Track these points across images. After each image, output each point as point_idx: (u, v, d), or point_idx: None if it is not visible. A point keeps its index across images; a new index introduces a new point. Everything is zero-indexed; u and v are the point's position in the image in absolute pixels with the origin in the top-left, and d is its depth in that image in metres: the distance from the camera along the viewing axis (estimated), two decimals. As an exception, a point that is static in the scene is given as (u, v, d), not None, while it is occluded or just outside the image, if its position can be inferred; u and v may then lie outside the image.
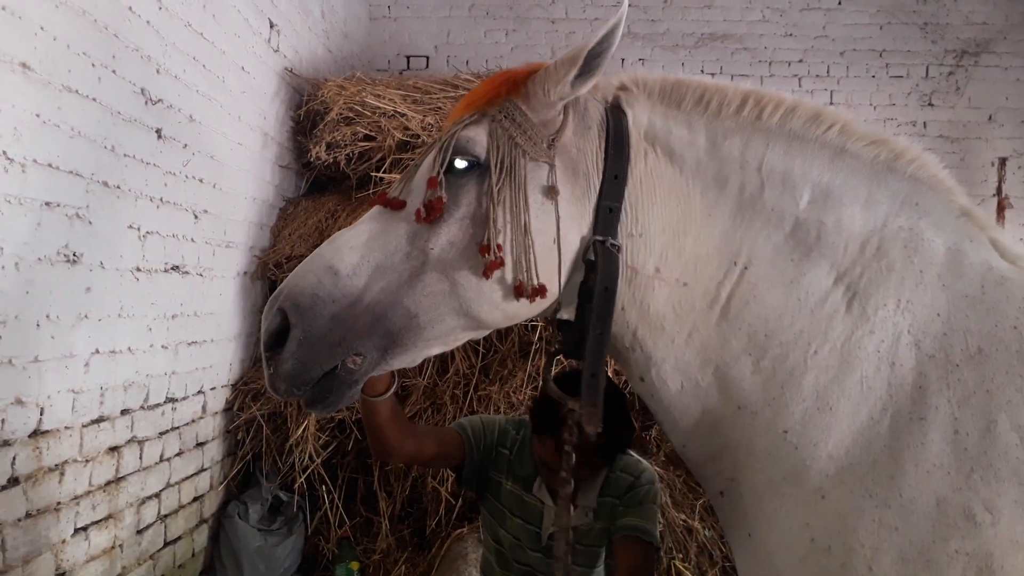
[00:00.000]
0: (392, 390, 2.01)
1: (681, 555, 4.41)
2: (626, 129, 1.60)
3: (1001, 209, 7.05)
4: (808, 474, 1.42)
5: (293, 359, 1.47)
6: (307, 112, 5.30)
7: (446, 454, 2.38)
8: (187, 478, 4.08)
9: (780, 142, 1.58)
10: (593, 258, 1.52)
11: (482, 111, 1.58)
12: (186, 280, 3.97)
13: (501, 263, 1.48)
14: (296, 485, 4.52)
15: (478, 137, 1.55)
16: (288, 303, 1.48)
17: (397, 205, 1.56)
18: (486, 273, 1.48)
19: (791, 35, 7.38)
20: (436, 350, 1.59)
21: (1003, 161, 7.10)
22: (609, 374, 2.40)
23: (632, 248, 1.56)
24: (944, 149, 7.17)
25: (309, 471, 4.51)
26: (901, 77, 7.31)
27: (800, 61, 7.36)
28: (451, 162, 1.54)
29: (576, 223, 1.55)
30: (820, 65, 7.35)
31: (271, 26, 5.03)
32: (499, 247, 1.48)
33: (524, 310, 1.56)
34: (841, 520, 1.36)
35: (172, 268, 3.83)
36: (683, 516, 4.43)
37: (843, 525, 1.35)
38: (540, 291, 1.49)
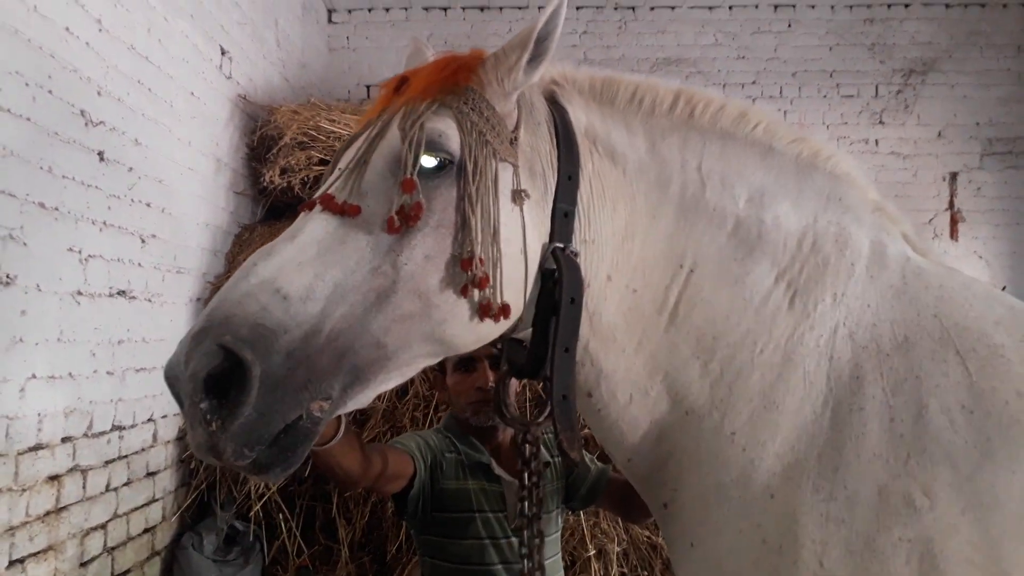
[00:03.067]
0: (341, 431, 1.74)
1: (646, 572, 4.36)
2: (572, 125, 1.52)
3: (954, 223, 7.20)
4: (756, 475, 1.40)
5: (251, 409, 1.14)
6: (261, 138, 5.28)
7: (399, 473, 2.27)
8: (136, 508, 3.97)
9: (715, 141, 1.57)
10: (554, 267, 1.41)
11: (440, 100, 1.40)
12: (133, 305, 3.90)
13: (487, 279, 1.32)
14: (252, 514, 4.42)
15: (449, 131, 1.37)
16: (230, 337, 1.14)
17: (352, 211, 1.31)
18: (466, 291, 1.31)
19: (744, 57, 7.52)
20: (394, 383, 1.37)
21: (954, 176, 7.26)
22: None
23: (586, 255, 1.48)
24: (896, 166, 7.32)
25: (265, 499, 4.41)
26: (852, 96, 7.46)
27: (753, 83, 7.49)
28: (421, 159, 1.35)
29: (537, 230, 1.43)
30: (773, 86, 7.48)
31: (222, 53, 5.03)
32: (481, 260, 1.32)
33: (494, 330, 1.41)
34: (791, 518, 1.34)
35: (118, 293, 3.76)
36: (647, 533, 4.38)
37: (793, 522, 1.34)
38: (504, 310, 1.35)
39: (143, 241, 3.99)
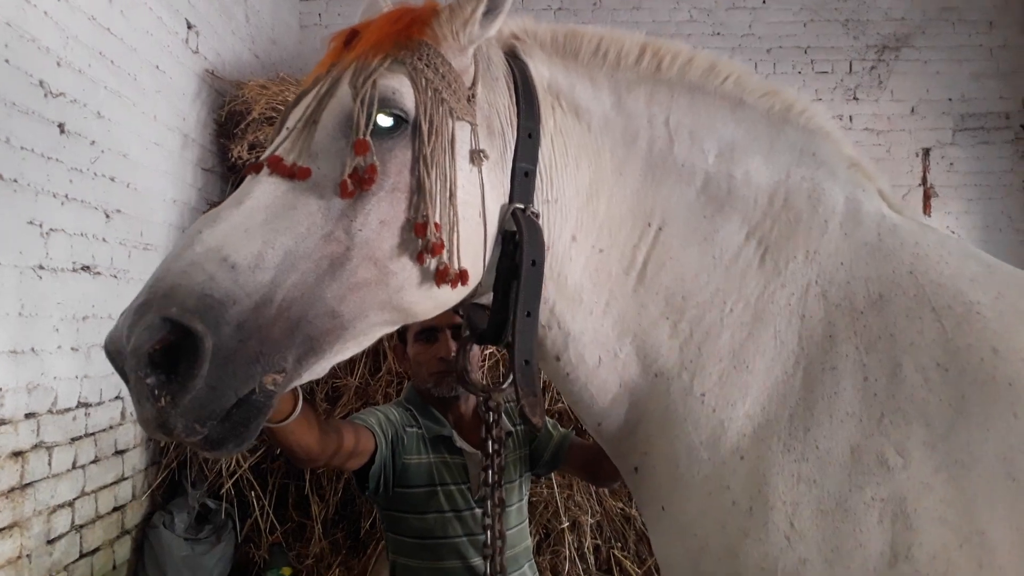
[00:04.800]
0: (299, 408, 1.68)
1: (620, 544, 4.39)
2: (532, 81, 1.47)
3: (927, 198, 7.24)
4: (726, 436, 1.38)
5: (204, 383, 1.09)
6: (229, 113, 5.21)
7: (360, 450, 2.20)
8: (105, 487, 3.93)
9: (683, 94, 1.52)
10: (514, 229, 1.37)
11: (393, 55, 1.33)
12: (98, 281, 3.84)
13: (442, 244, 1.27)
14: (224, 492, 4.40)
15: (403, 88, 1.30)
16: (176, 309, 1.08)
17: (302, 174, 1.24)
18: (422, 257, 1.26)
19: (718, 34, 7.50)
20: (351, 352, 1.32)
21: (926, 152, 7.30)
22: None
23: (548, 215, 1.44)
24: (870, 141, 7.34)
25: (236, 477, 4.39)
26: (826, 72, 7.46)
27: (728, 59, 7.47)
28: (376, 118, 1.28)
29: (495, 191, 1.39)
30: (748, 62, 7.45)
31: (189, 27, 4.95)
32: (437, 225, 1.27)
33: (453, 296, 1.38)
34: (761, 479, 1.33)
35: (82, 268, 3.70)
36: (620, 504, 4.42)
37: (763, 483, 1.32)
38: (462, 276, 1.31)
39: (107, 216, 3.92)
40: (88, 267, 3.75)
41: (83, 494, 3.75)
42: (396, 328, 1.41)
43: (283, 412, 1.65)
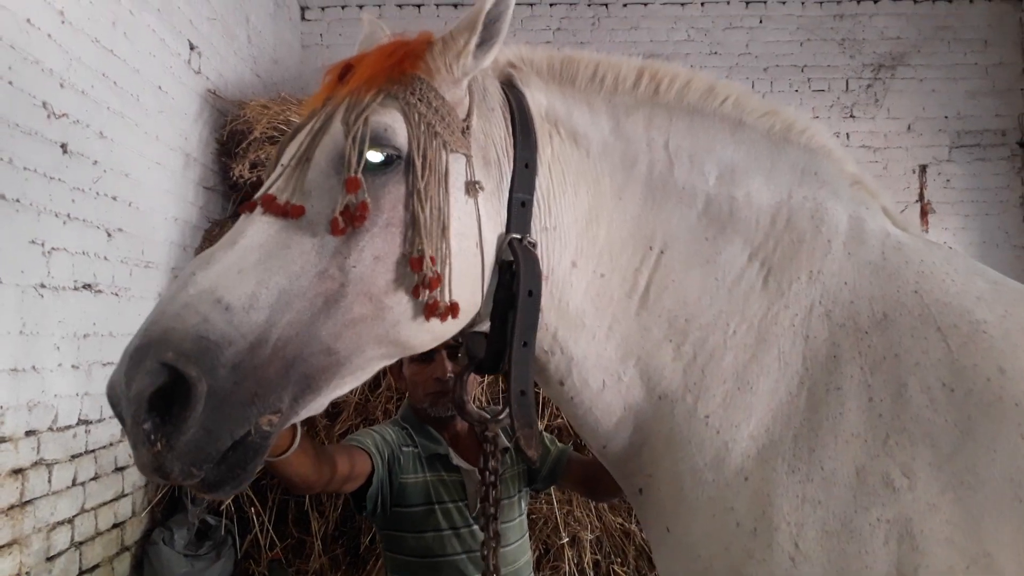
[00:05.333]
0: (297, 442, 1.67)
1: (620, 559, 4.39)
2: (529, 110, 1.47)
3: (924, 214, 7.28)
4: (730, 457, 1.38)
5: (197, 426, 1.10)
6: (231, 132, 5.27)
7: (357, 472, 2.22)
8: (105, 503, 3.95)
9: (682, 117, 1.53)
10: (511, 259, 1.37)
11: (386, 90, 1.33)
12: (99, 299, 3.88)
13: (439, 278, 1.27)
14: (223, 508, 4.41)
15: (395, 124, 1.31)
16: (172, 352, 1.09)
17: (295, 212, 1.25)
18: (418, 291, 1.26)
19: (716, 53, 7.57)
20: (349, 387, 1.33)
21: (923, 168, 7.34)
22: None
23: (547, 243, 1.45)
24: (867, 159, 7.39)
25: (236, 493, 4.39)
26: (823, 91, 7.52)
27: (726, 78, 7.48)
28: (366, 155, 1.28)
29: (492, 221, 1.39)
30: (745, 81, 7.51)
31: (191, 48, 5.01)
32: (432, 259, 1.26)
33: (450, 327, 1.37)
34: (765, 500, 1.32)
35: (83, 286, 3.74)
36: (620, 519, 4.42)
37: (768, 505, 1.32)
38: (452, 310, 1.30)
39: (109, 235, 3.97)
40: (90, 285, 3.79)
41: (83, 511, 3.76)
42: (394, 360, 1.40)
43: (281, 446, 1.64)
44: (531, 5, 7.49)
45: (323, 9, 7.64)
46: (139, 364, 1.10)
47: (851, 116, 7.49)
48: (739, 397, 1.40)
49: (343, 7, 7.63)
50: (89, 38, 3.76)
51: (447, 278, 1.29)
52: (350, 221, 1.23)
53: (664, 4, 7.56)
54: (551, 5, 7.49)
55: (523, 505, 2.55)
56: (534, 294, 1.37)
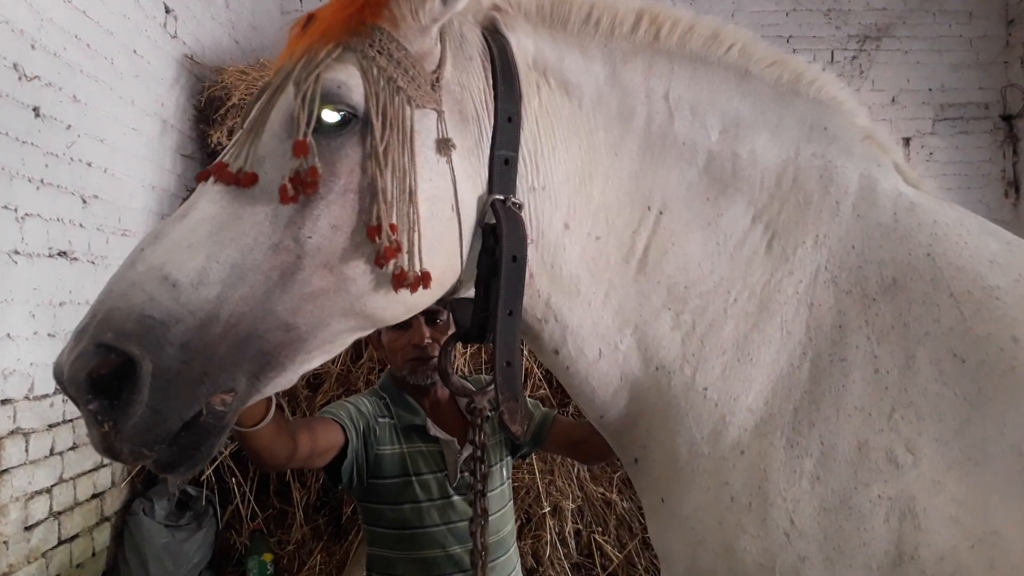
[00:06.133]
0: (271, 415, 1.66)
1: (600, 528, 4.42)
2: (512, 57, 1.35)
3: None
4: (727, 431, 1.32)
5: (144, 407, 1.06)
6: (208, 99, 5.17)
7: (330, 445, 2.21)
8: (84, 473, 3.91)
9: (684, 65, 1.41)
10: (493, 222, 1.29)
11: (343, 43, 1.22)
12: (75, 267, 3.81)
13: (399, 247, 1.18)
14: (204, 478, 4.39)
15: (350, 80, 1.20)
16: (111, 334, 1.07)
17: (247, 180, 1.17)
18: (380, 261, 1.17)
19: (701, 22, 7.51)
20: (318, 361, 1.27)
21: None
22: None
23: (535, 204, 1.35)
24: (851, 130, 7.39)
25: (217, 463, 4.37)
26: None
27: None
28: (319, 116, 1.18)
29: (471, 181, 1.29)
30: (730, 51, 7.48)
31: (167, 11, 4.89)
32: (392, 227, 1.18)
33: (426, 296, 1.28)
34: (761, 474, 1.27)
35: (59, 253, 3.67)
36: (601, 489, 4.44)
37: (764, 479, 1.27)
38: (423, 279, 1.22)
39: (84, 201, 3.89)
40: (65, 252, 3.72)
41: (61, 481, 3.72)
42: (369, 333, 1.33)
43: (255, 418, 1.63)
44: (515, -28, 7.39)
45: (303, -26, 7.48)
46: (77, 344, 1.08)
47: (836, 88, 7.47)
48: (739, 368, 1.34)
49: (324, -28, 7.49)
50: (61, -2, 3.65)
51: (416, 246, 1.21)
52: (301, 188, 1.15)
53: (650, -28, 7.47)
54: (536, -28, 7.39)
55: (505, 473, 2.53)
56: (518, 259, 1.28)
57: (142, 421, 1.07)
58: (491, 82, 1.33)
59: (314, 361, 1.25)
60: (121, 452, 1.08)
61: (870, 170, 1.41)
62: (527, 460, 4.28)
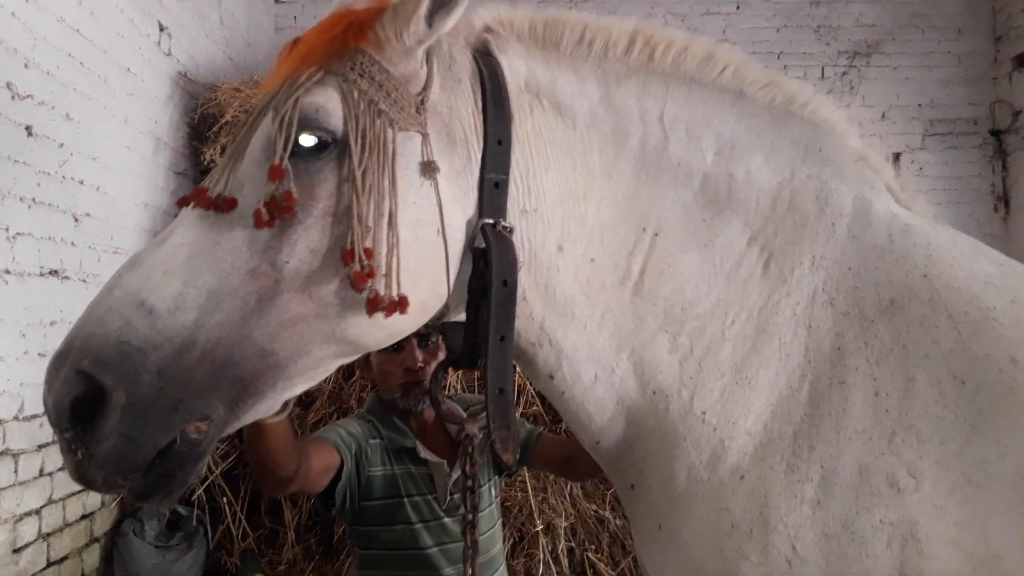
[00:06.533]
0: (288, 408, 1.59)
1: (594, 546, 4.40)
2: (503, 80, 1.34)
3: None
4: (727, 455, 1.31)
5: (117, 435, 1.06)
6: (202, 116, 5.17)
7: (327, 467, 2.20)
8: (73, 494, 3.87)
9: (679, 87, 1.42)
10: (483, 246, 1.27)
11: (325, 67, 1.22)
12: (67, 286, 3.79)
13: (372, 272, 1.17)
14: (195, 498, 4.36)
15: (329, 104, 1.20)
16: (88, 360, 1.07)
17: (226, 205, 1.17)
18: (355, 286, 1.16)
19: (693, 39, 7.55)
20: (301, 388, 1.26)
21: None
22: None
23: (528, 226, 1.34)
24: (842, 146, 7.43)
25: (208, 482, 4.35)
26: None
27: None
28: (296, 140, 1.18)
29: (460, 204, 1.28)
30: (722, 68, 7.53)
31: (161, 29, 4.90)
32: (368, 251, 1.16)
33: (410, 322, 1.28)
34: (762, 500, 1.26)
35: (50, 272, 3.65)
36: (594, 507, 4.43)
37: (764, 505, 1.25)
38: (399, 304, 1.19)
39: (76, 219, 3.88)
40: (56, 271, 3.70)
41: (50, 502, 3.69)
42: (353, 359, 1.32)
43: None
44: (508, -11, 7.44)
45: (297, -9, 7.51)
46: (57, 372, 1.08)
47: (826, 104, 7.52)
48: (737, 392, 1.32)
49: (317, -11, 7.52)
50: (55, 17, 3.65)
51: (394, 270, 1.19)
52: (276, 213, 1.14)
53: (642, -11, 7.53)
54: (528, -11, 7.44)
55: (494, 493, 2.53)
56: (509, 284, 1.27)
57: (115, 449, 1.06)
58: (481, 105, 1.33)
59: (296, 388, 1.25)
60: (95, 480, 1.08)
61: (864, 192, 1.41)
62: (519, 478, 4.27)
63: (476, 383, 4.48)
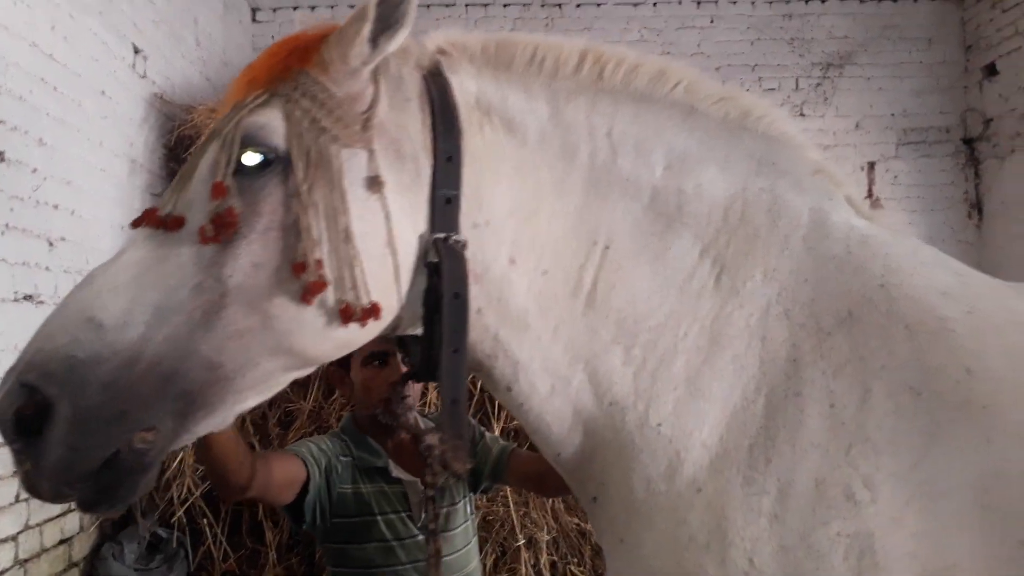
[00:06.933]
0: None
1: (576, 559, 4.41)
2: (452, 99, 1.37)
3: (874, 210, 7.43)
4: (683, 468, 1.31)
5: (63, 446, 1.09)
6: (179, 138, 5.18)
7: (292, 479, 2.20)
8: (51, 520, 3.86)
9: (628, 104, 1.44)
10: (436, 260, 1.30)
11: (270, 90, 1.28)
12: (41, 310, 3.78)
13: (324, 283, 1.20)
14: (175, 520, 4.34)
15: (272, 123, 1.25)
16: (35, 373, 1.11)
17: (173, 224, 1.21)
18: (306, 297, 1.19)
19: (669, 53, 7.62)
20: (252, 402, 1.28)
21: (871, 165, 7.49)
22: None
23: (479, 240, 1.37)
24: (818, 156, 7.52)
25: (188, 504, 4.33)
26: (774, 89, 7.62)
27: (680, 64, 7.59)
28: (239, 159, 1.23)
29: (410, 218, 1.32)
30: (698, 80, 7.61)
31: (136, 51, 4.92)
32: (318, 263, 1.20)
33: (359, 334, 1.30)
34: (719, 512, 1.26)
35: (24, 297, 3.65)
36: (576, 520, 4.44)
37: (722, 517, 1.26)
38: (373, 311, 1.24)
39: (51, 244, 3.88)
40: (31, 296, 3.70)
41: (27, 527, 3.67)
42: (306, 373, 1.35)
43: None
44: (485, 6, 7.49)
45: (274, 11, 7.54)
46: (3, 385, 1.13)
47: (801, 114, 7.60)
48: (691, 404, 1.33)
49: (295, 8, 7.53)
50: (27, 42, 3.66)
51: (356, 280, 1.23)
52: (219, 229, 1.18)
53: (617, 4, 7.61)
54: (505, 6, 7.49)
55: (469, 510, 2.54)
56: (460, 296, 1.30)
57: (61, 459, 1.09)
58: (430, 122, 1.36)
59: (247, 401, 1.27)
60: (43, 490, 1.12)
61: (821, 204, 1.43)
62: (500, 492, 4.28)
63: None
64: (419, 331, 1.39)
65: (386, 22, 1.28)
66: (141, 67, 5.00)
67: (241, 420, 4.46)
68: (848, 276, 1.35)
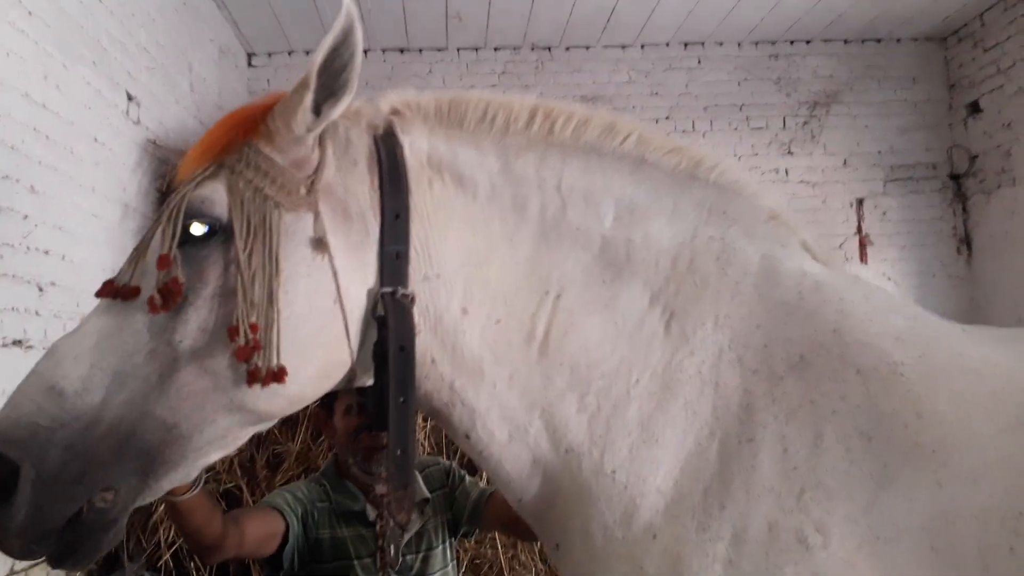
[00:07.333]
0: (200, 483, 1.78)
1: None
2: (401, 159, 1.43)
3: (863, 246, 7.49)
4: (639, 513, 1.33)
5: (29, 506, 1.17)
6: (171, 182, 5.25)
7: (270, 533, 2.26)
8: (37, 564, 3.84)
9: (577, 157, 1.49)
10: (383, 313, 1.35)
11: (218, 161, 1.36)
12: (31, 355, 3.81)
13: (257, 345, 1.26)
14: (162, 563, 4.32)
15: (215, 195, 1.32)
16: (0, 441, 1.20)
17: (129, 294, 1.29)
18: (239, 359, 1.25)
19: (657, 94, 7.76)
20: (216, 456, 1.35)
21: (860, 202, 7.58)
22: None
23: (430, 292, 1.42)
24: (806, 193, 7.60)
25: (175, 547, 4.32)
26: (761, 128, 7.74)
27: (667, 118, 7.71)
28: (186, 230, 1.30)
29: (359, 274, 1.37)
30: (686, 120, 7.73)
31: (129, 98, 5.01)
32: (253, 326, 1.25)
33: (309, 389, 1.37)
34: (675, 558, 1.27)
35: (13, 343, 3.68)
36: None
37: (678, 562, 1.27)
38: (277, 375, 1.26)
39: (41, 289, 3.92)
40: (20, 341, 3.74)
41: (12, 573, 3.66)
42: (267, 426, 1.41)
43: (181, 489, 1.73)
44: (476, 50, 7.63)
45: (270, 55, 7.70)
46: None
47: (789, 152, 7.71)
48: (645, 450, 1.36)
49: (290, 53, 7.70)
50: (19, 93, 3.74)
51: (273, 343, 1.27)
52: (166, 298, 1.26)
53: (606, 47, 7.75)
54: (495, 50, 7.63)
55: (448, 555, 2.55)
56: (406, 349, 1.34)
57: (28, 519, 1.18)
58: (378, 182, 1.41)
59: (210, 456, 1.34)
60: (13, 548, 1.20)
61: (773, 251, 1.46)
62: (489, 535, 4.27)
63: (444, 440, 4.50)
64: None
65: (329, 90, 1.34)
66: (135, 113, 5.09)
67: (229, 462, 4.47)
68: (800, 322, 1.37)
